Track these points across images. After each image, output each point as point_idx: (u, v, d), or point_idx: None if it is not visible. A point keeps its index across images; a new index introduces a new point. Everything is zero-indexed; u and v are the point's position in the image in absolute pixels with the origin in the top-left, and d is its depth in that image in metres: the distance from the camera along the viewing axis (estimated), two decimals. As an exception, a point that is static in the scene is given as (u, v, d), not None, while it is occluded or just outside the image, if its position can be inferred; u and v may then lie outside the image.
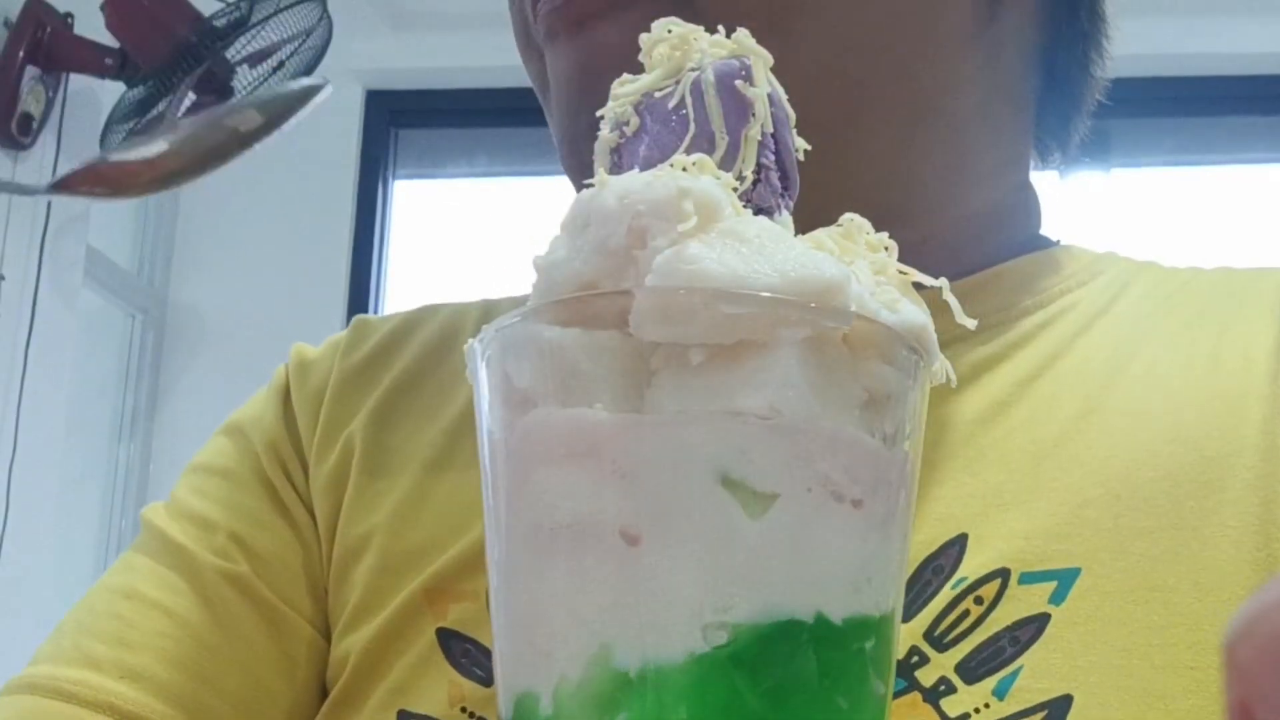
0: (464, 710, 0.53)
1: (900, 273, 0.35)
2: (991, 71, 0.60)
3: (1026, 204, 0.65)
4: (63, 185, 0.43)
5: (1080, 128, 0.67)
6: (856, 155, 0.57)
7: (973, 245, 0.61)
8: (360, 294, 2.83)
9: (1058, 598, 0.50)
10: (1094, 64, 0.64)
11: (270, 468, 0.62)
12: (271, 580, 0.60)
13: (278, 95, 0.45)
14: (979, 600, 0.50)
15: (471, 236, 2.90)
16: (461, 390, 0.62)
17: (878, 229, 0.36)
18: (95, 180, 0.42)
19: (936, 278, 0.35)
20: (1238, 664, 0.23)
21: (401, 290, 2.90)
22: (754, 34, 0.37)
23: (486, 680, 0.53)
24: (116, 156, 0.43)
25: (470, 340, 0.34)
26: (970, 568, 0.51)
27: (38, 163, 2.42)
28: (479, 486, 0.58)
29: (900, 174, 0.58)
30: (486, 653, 0.54)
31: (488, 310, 0.67)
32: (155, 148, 0.43)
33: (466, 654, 0.54)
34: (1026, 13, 0.61)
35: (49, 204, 2.37)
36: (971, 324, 0.37)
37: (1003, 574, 0.51)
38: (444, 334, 0.66)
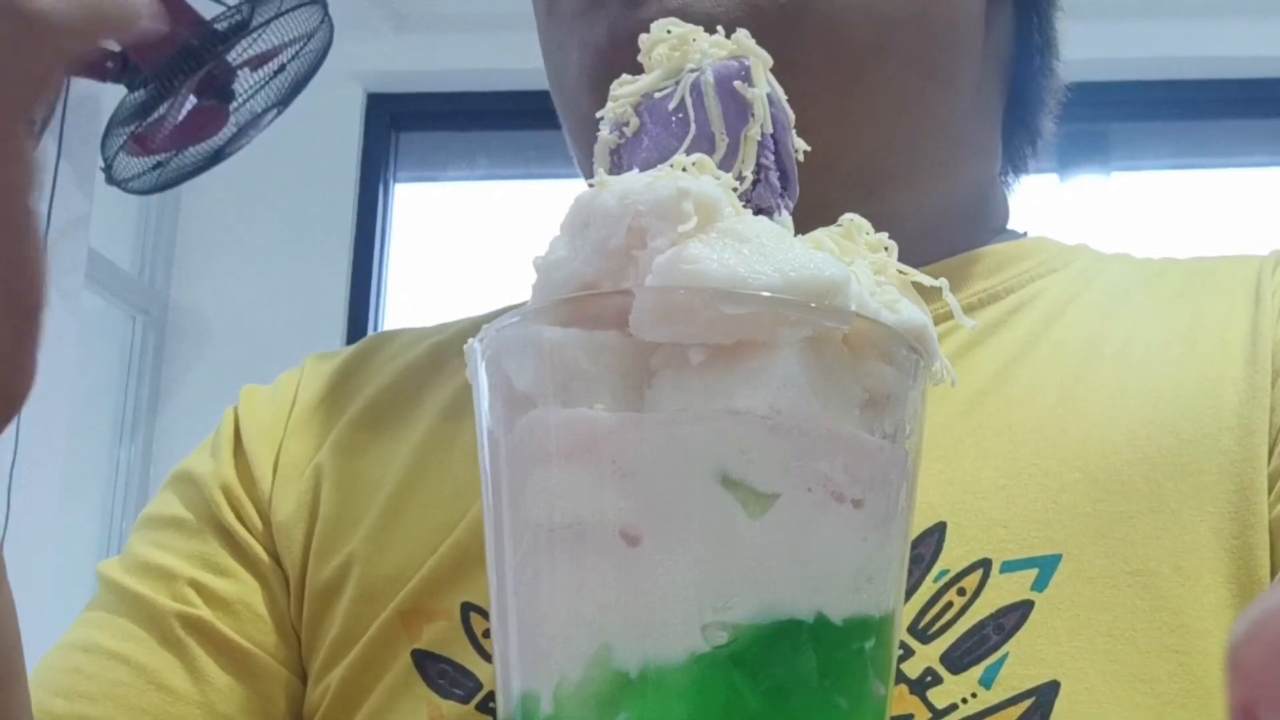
0: None
1: (900, 273, 0.35)
2: (987, 57, 0.62)
3: (997, 197, 0.67)
4: None
5: (1039, 144, 0.68)
6: (872, 98, 0.57)
7: (948, 231, 0.61)
8: (361, 297, 2.83)
9: (1040, 584, 0.50)
10: (1051, 78, 0.67)
11: (224, 512, 0.61)
12: (237, 624, 0.59)
13: None
14: (961, 591, 0.50)
15: (472, 239, 2.90)
16: (424, 412, 0.62)
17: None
18: None
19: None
20: (1242, 667, 0.23)
21: (402, 293, 2.90)
22: None
23: (465, 698, 0.53)
24: None
25: (470, 340, 0.34)
26: (951, 559, 0.51)
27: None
28: (448, 506, 0.58)
29: (904, 132, 0.59)
30: (464, 672, 0.54)
31: (439, 337, 0.67)
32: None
33: (444, 674, 0.54)
34: (1007, 14, 0.64)
35: (50, 206, 2.37)
36: (971, 324, 0.37)
37: (984, 564, 0.51)
38: (400, 360, 0.66)
